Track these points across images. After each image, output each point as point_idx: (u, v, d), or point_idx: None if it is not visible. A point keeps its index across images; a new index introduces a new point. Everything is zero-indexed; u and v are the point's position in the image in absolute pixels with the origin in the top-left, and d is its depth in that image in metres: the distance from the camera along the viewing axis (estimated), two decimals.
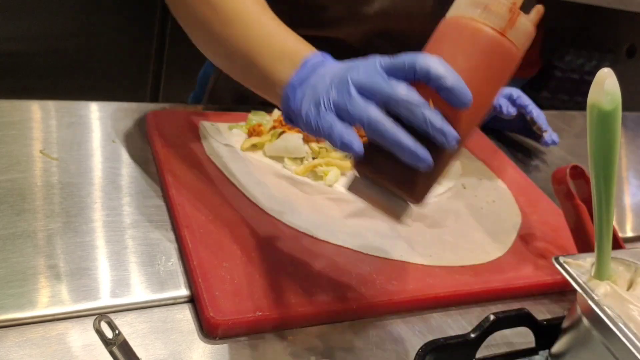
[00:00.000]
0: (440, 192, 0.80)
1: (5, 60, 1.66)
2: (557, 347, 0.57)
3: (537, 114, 0.98)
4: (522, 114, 0.99)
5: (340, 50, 0.90)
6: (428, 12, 0.86)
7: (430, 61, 0.47)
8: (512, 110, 0.97)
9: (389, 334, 0.58)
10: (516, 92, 1.00)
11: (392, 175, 0.49)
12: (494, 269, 0.68)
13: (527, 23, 0.52)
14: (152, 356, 0.50)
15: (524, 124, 1.02)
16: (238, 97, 1.00)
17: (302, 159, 0.77)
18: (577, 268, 0.56)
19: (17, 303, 0.51)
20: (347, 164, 0.78)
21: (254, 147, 0.78)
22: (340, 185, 0.75)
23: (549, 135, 0.99)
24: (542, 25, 1.07)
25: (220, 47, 0.63)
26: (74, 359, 0.48)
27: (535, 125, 0.98)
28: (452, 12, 0.52)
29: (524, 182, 0.89)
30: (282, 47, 0.57)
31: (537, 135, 1.01)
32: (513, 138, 1.07)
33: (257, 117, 0.82)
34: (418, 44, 0.90)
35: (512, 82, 1.16)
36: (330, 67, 0.52)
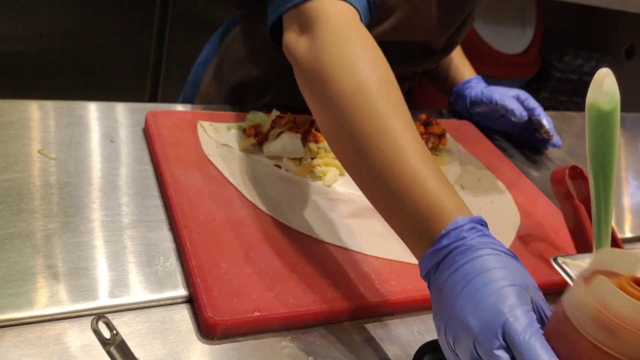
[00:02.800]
0: None
1: (4, 60, 1.66)
2: None
3: (546, 118, 0.97)
4: (528, 116, 0.98)
5: None
6: (432, 24, 0.85)
7: None
8: (525, 115, 0.96)
9: (387, 334, 0.58)
10: (524, 94, 0.99)
11: None
12: None
13: None
14: (150, 356, 0.50)
15: (526, 126, 1.02)
16: (229, 101, 1.00)
17: (300, 159, 0.77)
18: (576, 268, 0.57)
19: (15, 303, 0.51)
20: None
21: (253, 147, 0.78)
22: (339, 186, 0.75)
23: (556, 139, 0.99)
24: (541, 26, 1.04)
25: (361, 168, 0.54)
26: (72, 359, 0.48)
27: (543, 129, 0.98)
28: (573, 312, 0.41)
29: (523, 183, 0.89)
30: (421, 202, 0.49)
31: (540, 138, 1.01)
32: (512, 139, 1.07)
33: (256, 118, 0.82)
34: (415, 49, 0.90)
35: (511, 83, 1.15)
36: (457, 274, 0.45)
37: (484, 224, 0.48)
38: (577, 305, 0.39)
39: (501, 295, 0.42)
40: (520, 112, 0.95)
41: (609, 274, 0.41)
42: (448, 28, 0.88)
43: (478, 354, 0.43)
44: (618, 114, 0.52)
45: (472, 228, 0.47)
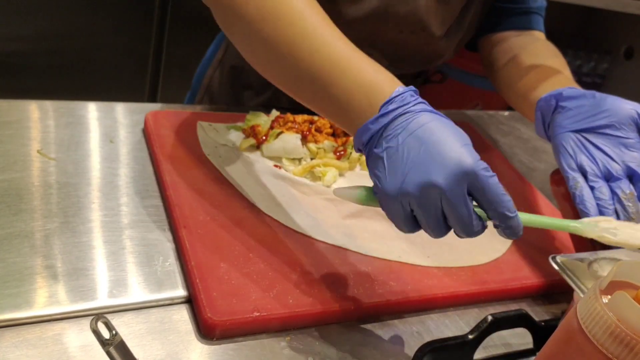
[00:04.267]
0: None
1: (4, 60, 1.66)
2: None
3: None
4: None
5: None
6: (419, 20, 0.83)
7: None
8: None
9: (387, 335, 0.58)
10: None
11: None
12: (492, 270, 0.68)
13: None
14: (149, 357, 0.50)
15: None
16: (233, 94, 1.00)
17: (300, 160, 0.77)
18: (574, 267, 0.57)
19: (14, 303, 0.51)
20: (345, 164, 0.78)
21: (252, 147, 0.78)
22: (338, 186, 0.75)
23: None
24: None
25: (285, 70, 0.57)
26: (71, 359, 0.48)
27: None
28: (589, 325, 0.40)
29: (522, 184, 0.89)
30: (358, 77, 0.53)
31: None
32: (511, 140, 1.07)
33: (255, 118, 0.81)
34: (411, 57, 0.88)
35: None
36: (411, 139, 0.50)
37: (418, 92, 0.53)
38: (593, 317, 0.39)
39: (461, 153, 0.48)
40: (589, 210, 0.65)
41: (626, 285, 0.41)
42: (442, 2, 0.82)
43: (444, 207, 0.49)
44: None
45: (412, 95, 0.52)
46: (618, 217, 0.64)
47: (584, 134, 0.68)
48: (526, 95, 0.79)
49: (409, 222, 0.52)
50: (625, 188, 0.65)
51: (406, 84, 0.52)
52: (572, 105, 0.69)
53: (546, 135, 0.74)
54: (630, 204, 0.64)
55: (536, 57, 0.86)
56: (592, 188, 0.65)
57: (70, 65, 1.75)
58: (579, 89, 0.71)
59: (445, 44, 0.88)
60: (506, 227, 0.51)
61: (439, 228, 0.51)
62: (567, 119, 0.69)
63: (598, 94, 0.69)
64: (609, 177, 0.66)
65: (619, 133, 0.66)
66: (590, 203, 0.64)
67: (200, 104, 1.04)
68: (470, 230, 0.50)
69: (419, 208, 0.50)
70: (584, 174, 0.66)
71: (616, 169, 0.66)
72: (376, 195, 0.53)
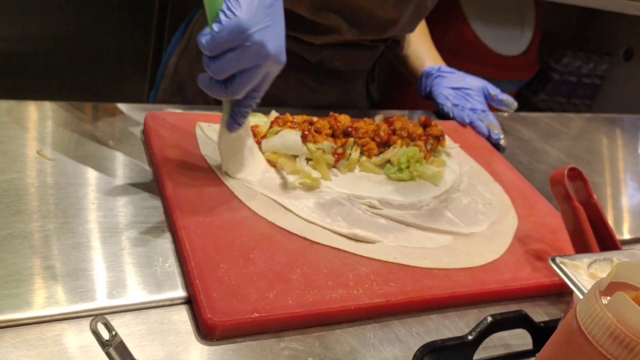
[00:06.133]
0: (437, 194, 0.80)
1: (3, 61, 1.66)
2: None
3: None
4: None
5: (292, 20, 0.91)
6: None
7: None
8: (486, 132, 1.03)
9: (386, 335, 0.58)
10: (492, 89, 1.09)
11: None
12: (491, 271, 0.68)
13: None
14: (148, 357, 0.50)
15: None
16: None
17: (296, 157, 0.76)
18: (574, 268, 0.57)
19: (14, 304, 0.51)
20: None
21: None
22: (337, 187, 0.75)
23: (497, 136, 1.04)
24: (540, 28, 1.03)
25: None
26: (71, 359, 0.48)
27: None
28: (590, 327, 0.39)
29: (522, 184, 0.89)
30: None
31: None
32: (511, 141, 1.07)
33: (255, 119, 0.81)
34: (367, 21, 0.91)
35: (509, 84, 1.15)
36: None
37: None
38: (593, 319, 0.39)
39: None
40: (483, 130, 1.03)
41: (626, 286, 0.41)
42: None
43: None
44: None
45: None
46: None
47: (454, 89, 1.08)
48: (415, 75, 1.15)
49: None
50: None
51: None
52: (447, 76, 1.09)
53: (424, 92, 1.12)
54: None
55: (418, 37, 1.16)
56: (456, 105, 1.05)
57: (70, 66, 1.75)
58: (450, 67, 1.11)
59: (398, 12, 0.95)
60: None
61: None
62: (445, 82, 1.09)
63: (461, 72, 1.10)
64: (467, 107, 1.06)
65: (472, 93, 1.08)
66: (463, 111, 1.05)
67: (165, 94, 1.03)
68: None
69: None
70: (454, 104, 1.06)
71: (472, 101, 1.06)
72: None
